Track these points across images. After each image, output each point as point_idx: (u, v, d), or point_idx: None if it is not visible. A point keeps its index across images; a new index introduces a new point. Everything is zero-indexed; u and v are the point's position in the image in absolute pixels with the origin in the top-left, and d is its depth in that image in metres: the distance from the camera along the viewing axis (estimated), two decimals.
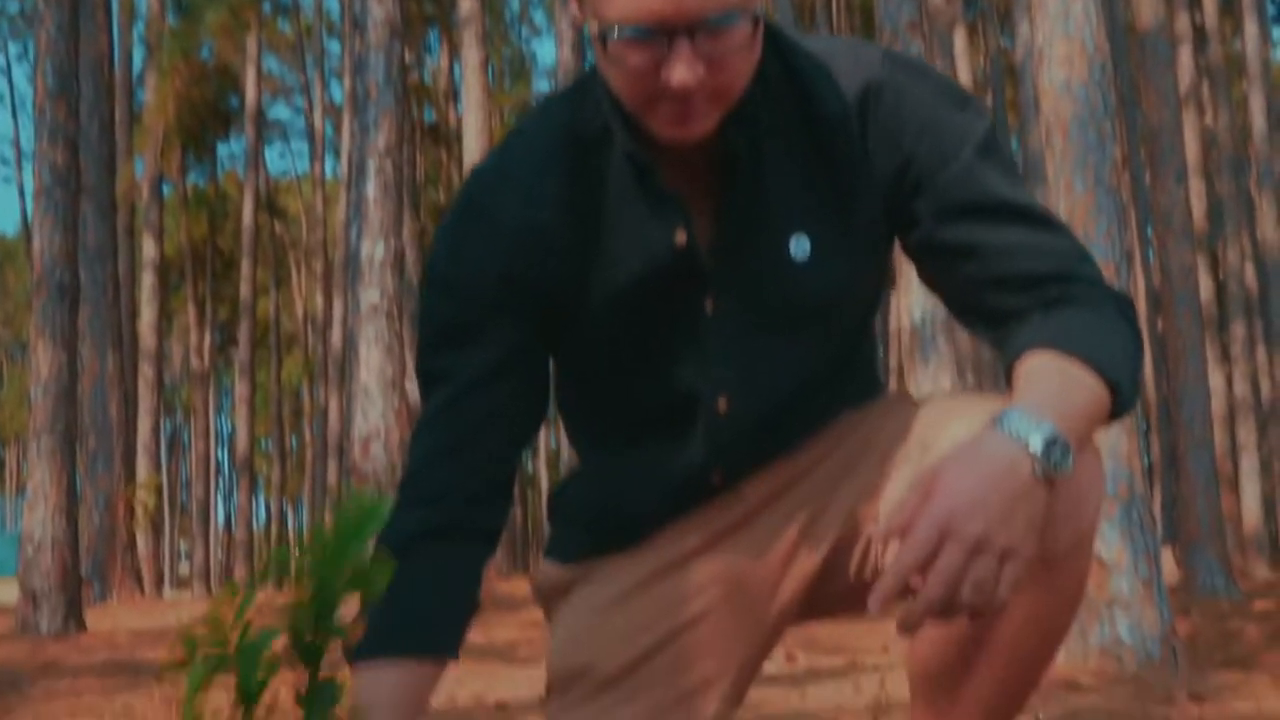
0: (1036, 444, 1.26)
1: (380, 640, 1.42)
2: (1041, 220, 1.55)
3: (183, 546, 47.27)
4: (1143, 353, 1.48)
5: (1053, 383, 1.34)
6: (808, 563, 1.76)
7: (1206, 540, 12.50)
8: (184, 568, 45.60)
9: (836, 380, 1.71)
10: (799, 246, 1.55)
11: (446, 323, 1.57)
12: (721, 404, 1.61)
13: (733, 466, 1.68)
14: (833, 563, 1.74)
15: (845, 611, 1.95)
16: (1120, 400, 1.38)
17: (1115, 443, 5.86)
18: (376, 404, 8.28)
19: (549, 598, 1.86)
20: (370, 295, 8.47)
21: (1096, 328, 1.43)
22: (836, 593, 1.79)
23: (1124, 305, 1.50)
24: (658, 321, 1.57)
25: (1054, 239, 1.54)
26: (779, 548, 1.73)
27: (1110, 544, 5.80)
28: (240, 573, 34.44)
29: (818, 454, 1.70)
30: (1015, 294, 1.50)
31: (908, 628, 1.27)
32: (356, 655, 1.43)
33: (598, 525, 1.80)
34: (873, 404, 1.74)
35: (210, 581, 34.99)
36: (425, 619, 1.49)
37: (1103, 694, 4.88)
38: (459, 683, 5.30)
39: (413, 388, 13.45)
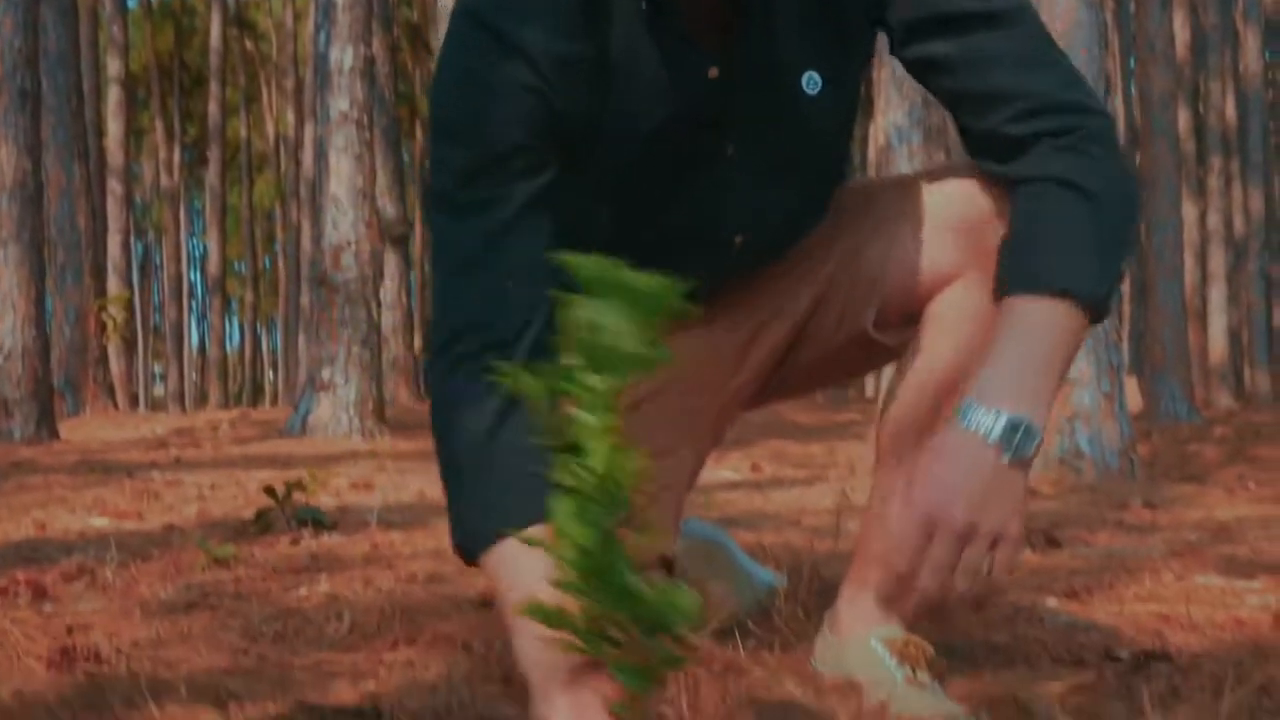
0: (996, 434, 1.30)
1: (519, 513, 1.32)
2: (1005, 21, 1.53)
3: (157, 369, 47.33)
4: (1131, 215, 1.48)
5: (1013, 354, 1.36)
6: (777, 332, 1.81)
7: (1171, 368, 12.67)
8: (158, 390, 45.73)
9: (828, 199, 1.74)
10: (810, 81, 1.57)
11: (477, 158, 1.48)
12: (738, 240, 1.66)
13: (726, 282, 1.74)
14: (805, 330, 1.80)
15: (814, 383, 2.00)
16: (1100, 310, 1.41)
17: None
18: (347, 214, 8.22)
19: None
20: (340, 103, 8.34)
21: (1074, 223, 1.43)
22: (809, 361, 1.85)
23: (1106, 144, 1.49)
24: (677, 161, 1.57)
25: (1021, 45, 1.52)
26: (748, 323, 1.77)
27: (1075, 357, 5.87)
28: (215, 394, 34.61)
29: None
30: (989, 113, 1.51)
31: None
32: (493, 536, 1.34)
33: None
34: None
35: (185, 403, 35.13)
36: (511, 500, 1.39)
37: (1060, 501, 5.00)
38: (433, 483, 5.38)
39: (383, 201, 13.36)
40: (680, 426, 1.78)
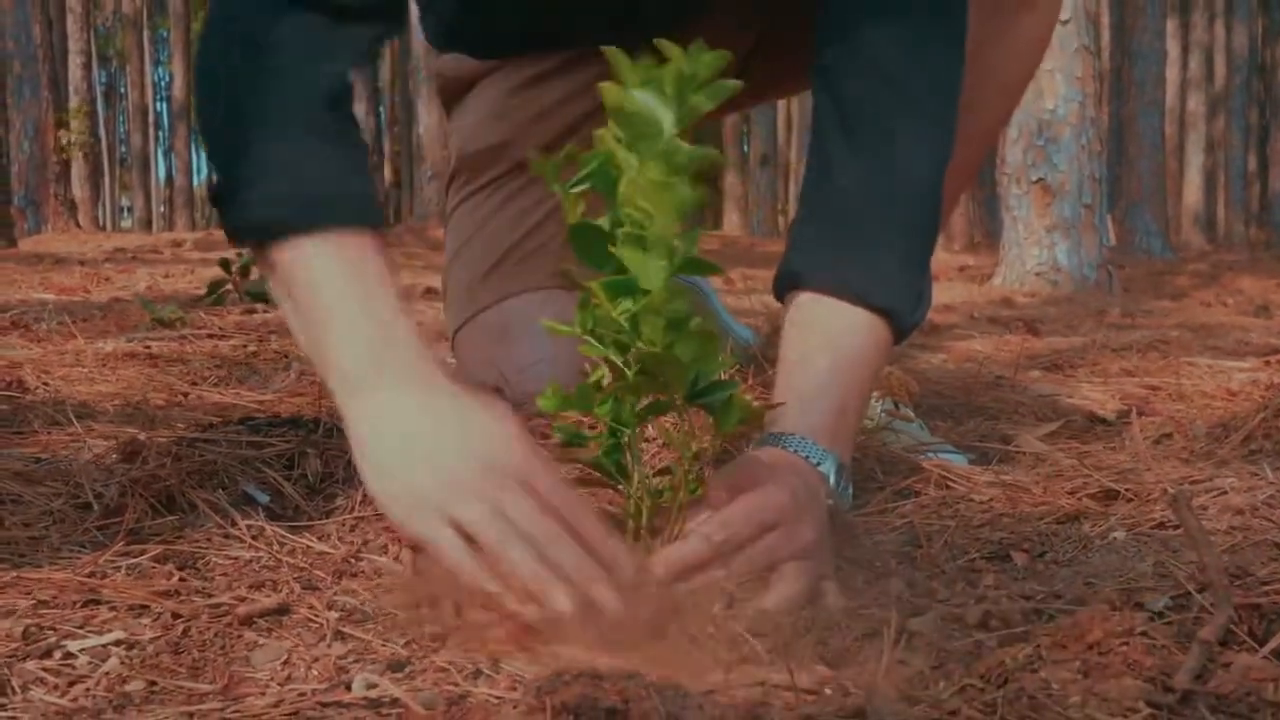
0: (831, 477, 1.14)
1: (343, 206, 1.08)
2: None
3: (125, 202, 46.70)
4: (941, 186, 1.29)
5: (838, 383, 1.19)
6: (742, 38, 1.71)
7: (1147, 201, 12.53)
8: (126, 223, 45.13)
9: None
10: None
11: None
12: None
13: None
14: (767, 34, 1.71)
15: (777, 88, 1.90)
16: (906, 327, 1.26)
17: (1070, 65, 5.70)
18: None
19: (453, 90, 1.77)
20: None
21: (890, 213, 1.26)
22: (772, 67, 1.75)
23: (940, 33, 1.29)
24: None
25: None
26: (714, 27, 1.66)
27: (1056, 168, 5.73)
28: (182, 222, 34.20)
29: None
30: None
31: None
32: (296, 220, 1.06)
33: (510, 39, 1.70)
34: None
35: (152, 231, 34.68)
36: (354, 183, 1.12)
37: (1036, 309, 4.90)
38: None
39: None
40: None
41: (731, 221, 24.07)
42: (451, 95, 1.77)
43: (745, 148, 23.89)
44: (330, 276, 1.03)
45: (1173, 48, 19.49)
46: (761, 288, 6.52)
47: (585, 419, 1.13)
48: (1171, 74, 19.52)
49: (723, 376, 0.99)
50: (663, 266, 0.91)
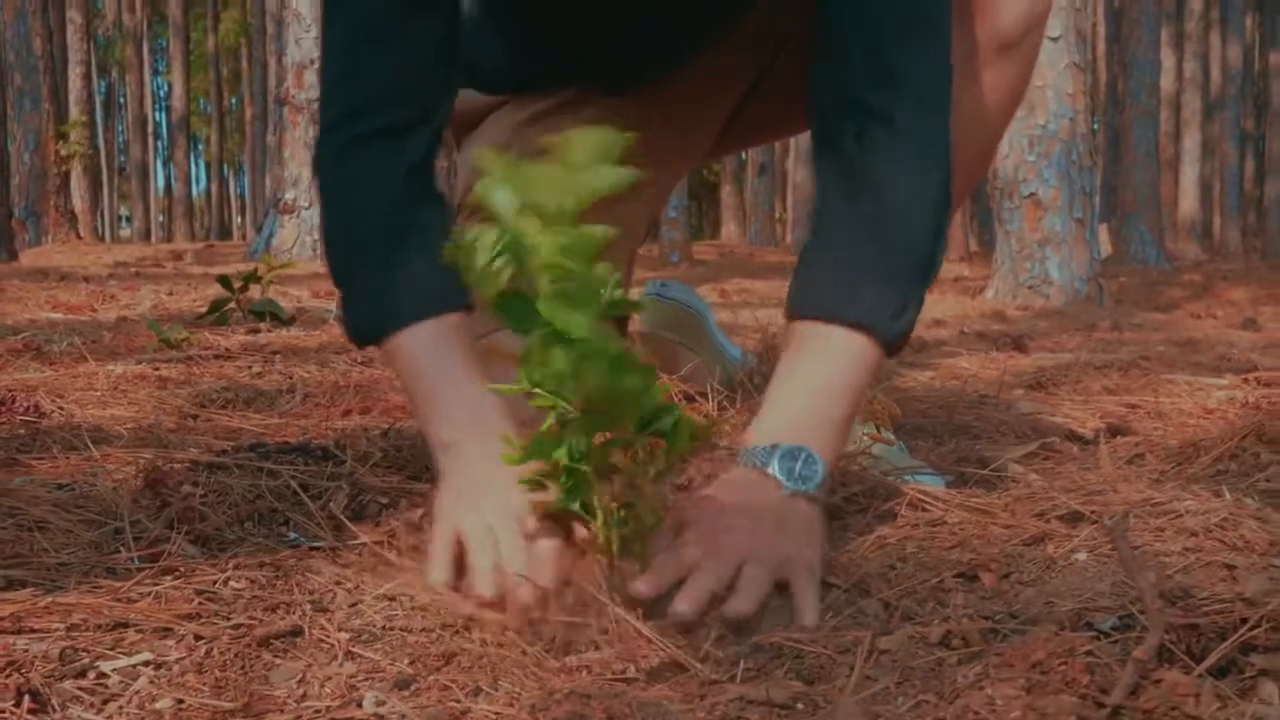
0: (774, 466, 1.20)
1: (425, 301, 1.29)
2: None
3: (124, 211, 46.77)
4: (943, 212, 1.35)
5: (793, 390, 1.28)
6: (735, 86, 1.76)
7: (1141, 211, 12.62)
8: (125, 232, 45.20)
9: None
10: None
11: None
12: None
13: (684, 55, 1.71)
14: (762, 79, 1.76)
15: (768, 133, 1.95)
16: (888, 337, 1.30)
17: (1060, 82, 5.78)
18: (310, 30, 7.99)
19: (463, 123, 1.84)
20: None
21: (872, 239, 1.31)
22: (764, 111, 1.81)
23: (929, 130, 1.35)
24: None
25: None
26: (715, 68, 1.72)
27: (1047, 182, 5.81)
28: (181, 233, 34.28)
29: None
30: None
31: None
32: (393, 323, 1.30)
33: (520, 76, 1.77)
34: None
35: (151, 240, 34.72)
36: (433, 278, 1.30)
37: (1026, 323, 4.98)
38: None
39: None
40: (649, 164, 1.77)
41: (729, 231, 24.16)
42: (461, 128, 1.84)
43: (743, 157, 23.97)
44: (420, 366, 1.28)
45: (1167, 57, 19.59)
46: (757, 300, 6.61)
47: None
48: (1166, 83, 19.61)
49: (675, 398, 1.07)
50: (587, 316, 0.99)
